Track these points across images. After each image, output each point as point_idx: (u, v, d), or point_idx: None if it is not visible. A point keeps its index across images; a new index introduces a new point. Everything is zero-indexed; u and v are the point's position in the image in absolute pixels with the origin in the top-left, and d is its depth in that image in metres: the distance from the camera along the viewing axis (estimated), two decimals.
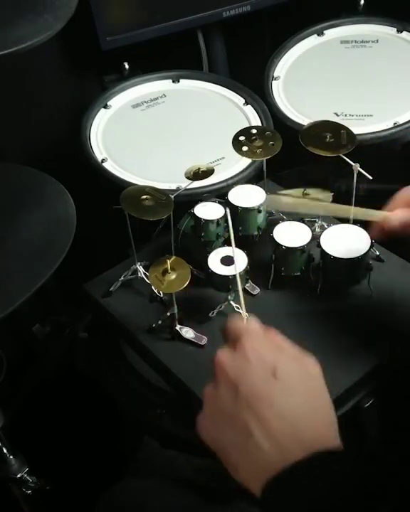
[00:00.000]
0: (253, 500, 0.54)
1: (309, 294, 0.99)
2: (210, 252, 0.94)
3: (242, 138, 0.99)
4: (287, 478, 0.50)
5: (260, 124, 1.22)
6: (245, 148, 0.98)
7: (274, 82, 1.28)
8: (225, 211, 0.98)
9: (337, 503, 0.49)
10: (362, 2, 1.36)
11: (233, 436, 0.53)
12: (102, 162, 1.17)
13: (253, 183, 1.05)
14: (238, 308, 0.95)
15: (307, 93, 1.25)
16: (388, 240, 0.88)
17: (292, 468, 0.49)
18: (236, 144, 0.99)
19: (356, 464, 0.52)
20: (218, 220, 0.99)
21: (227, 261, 0.93)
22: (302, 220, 1.00)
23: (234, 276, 0.91)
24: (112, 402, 1.07)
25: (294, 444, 0.51)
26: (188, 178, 0.97)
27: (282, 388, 0.53)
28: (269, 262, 0.98)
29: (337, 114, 1.18)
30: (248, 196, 1.01)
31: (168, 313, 0.96)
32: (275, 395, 0.53)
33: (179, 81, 1.33)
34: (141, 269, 1.03)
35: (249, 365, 0.54)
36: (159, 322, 0.96)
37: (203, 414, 0.56)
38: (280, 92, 1.26)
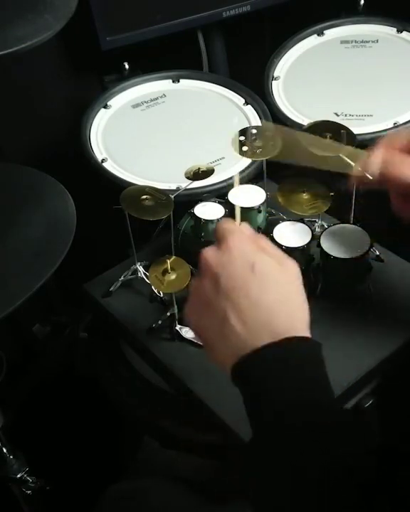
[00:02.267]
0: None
1: (309, 294, 0.99)
2: None
3: (242, 138, 0.99)
4: (255, 358, 0.54)
5: (260, 124, 1.22)
6: (245, 148, 0.98)
7: (274, 82, 1.28)
8: (226, 211, 0.99)
9: (301, 385, 0.53)
10: (362, 2, 1.36)
11: (211, 321, 0.58)
12: (102, 162, 1.17)
13: (253, 183, 1.05)
14: None
15: (307, 93, 1.25)
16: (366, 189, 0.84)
17: (259, 351, 0.54)
18: (237, 146, 0.99)
19: (320, 353, 0.57)
20: (218, 220, 0.99)
21: None
22: (302, 220, 1.00)
23: None
24: (112, 402, 1.07)
25: (265, 331, 0.55)
26: (188, 178, 0.97)
27: (258, 281, 0.58)
28: None
29: (337, 114, 1.18)
30: (248, 196, 1.01)
31: (168, 313, 0.96)
32: (251, 287, 0.57)
33: (179, 81, 1.33)
34: (141, 269, 1.03)
35: (230, 259, 0.59)
36: (159, 322, 0.96)
37: (189, 303, 0.61)
38: (280, 92, 1.26)
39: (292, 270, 0.61)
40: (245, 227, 0.64)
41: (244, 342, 0.55)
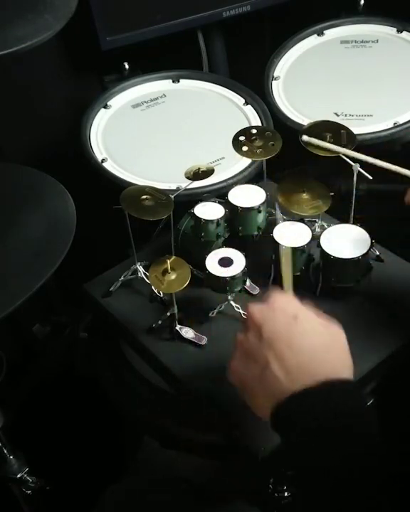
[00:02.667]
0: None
1: (309, 294, 0.99)
2: (210, 252, 0.94)
3: (242, 138, 0.99)
4: (295, 401, 0.54)
5: (260, 124, 1.22)
6: (245, 148, 0.98)
7: (274, 82, 1.28)
8: (225, 212, 0.98)
9: (341, 429, 0.53)
10: (362, 2, 1.36)
11: (254, 369, 0.59)
12: (102, 162, 1.17)
13: (253, 183, 1.05)
14: (238, 307, 0.96)
15: (307, 93, 1.25)
16: None
17: (297, 394, 0.54)
18: (236, 144, 0.99)
19: (363, 397, 0.58)
20: (218, 220, 0.99)
21: (225, 262, 0.93)
22: (302, 220, 1.00)
23: (231, 277, 0.91)
24: (112, 402, 1.07)
25: (307, 376, 0.56)
26: (188, 178, 0.97)
27: (300, 331, 0.59)
28: (269, 262, 0.98)
29: (337, 114, 1.18)
30: (248, 196, 1.01)
31: (168, 313, 0.96)
32: (293, 336, 0.58)
33: (179, 81, 1.33)
34: (141, 269, 1.03)
35: (273, 313, 0.61)
36: (159, 322, 0.96)
37: (233, 358, 0.62)
38: (280, 92, 1.26)
39: (337, 331, 0.62)
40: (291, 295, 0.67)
41: (285, 387, 0.56)
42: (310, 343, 0.58)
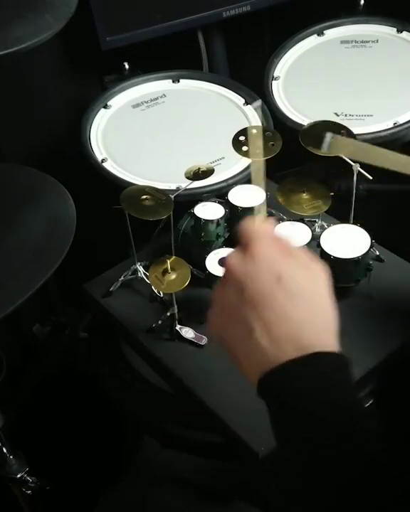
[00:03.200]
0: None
1: None
2: (209, 252, 0.94)
3: (242, 138, 0.99)
4: (280, 374, 0.53)
5: (260, 124, 1.22)
6: (245, 148, 0.98)
7: (274, 82, 1.28)
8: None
9: (326, 400, 0.52)
10: (362, 2, 1.36)
11: (236, 332, 0.56)
12: (102, 162, 1.17)
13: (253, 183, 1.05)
14: None
15: (307, 93, 1.25)
16: None
17: (285, 366, 0.53)
18: (236, 144, 0.99)
19: (347, 367, 0.55)
20: (218, 220, 0.99)
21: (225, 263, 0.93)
22: (302, 220, 1.00)
23: None
24: (112, 402, 1.07)
25: (290, 345, 0.54)
26: (188, 178, 0.97)
27: (284, 294, 0.56)
28: None
29: (337, 114, 1.18)
30: (248, 196, 1.01)
31: (168, 313, 0.96)
32: (277, 299, 0.55)
33: (179, 81, 1.33)
34: (141, 269, 1.03)
35: (256, 269, 0.57)
36: (159, 322, 0.96)
37: (212, 311, 0.59)
38: (280, 92, 1.26)
39: (320, 276, 0.59)
40: (270, 227, 0.62)
41: (270, 356, 0.54)
42: (296, 308, 0.56)
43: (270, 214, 1.06)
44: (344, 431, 0.52)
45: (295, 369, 0.53)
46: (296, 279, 0.57)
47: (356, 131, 0.97)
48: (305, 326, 0.55)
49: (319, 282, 0.59)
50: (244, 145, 0.99)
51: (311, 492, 0.51)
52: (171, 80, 1.33)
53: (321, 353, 0.54)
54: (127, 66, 1.34)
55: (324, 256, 0.94)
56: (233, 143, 0.99)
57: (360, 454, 0.51)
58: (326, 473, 0.51)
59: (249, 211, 0.99)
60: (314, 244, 0.96)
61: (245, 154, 0.99)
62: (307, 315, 0.56)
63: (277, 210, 1.07)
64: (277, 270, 0.56)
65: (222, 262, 0.89)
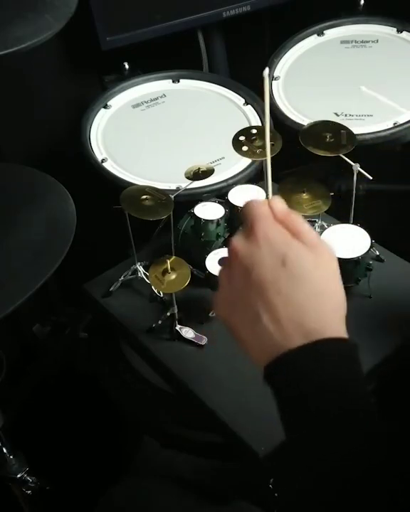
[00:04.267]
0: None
1: None
2: (209, 252, 0.94)
3: (242, 138, 0.99)
4: (287, 361, 0.53)
5: (260, 124, 1.22)
6: (245, 148, 0.98)
7: (274, 82, 1.28)
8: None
9: (332, 389, 0.52)
10: (362, 2, 1.36)
11: (243, 316, 0.56)
12: (102, 162, 1.17)
13: (253, 183, 1.05)
14: None
15: (307, 93, 1.25)
16: None
17: (292, 353, 0.52)
18: (236, 144, 0.99)
19: (354, 353, 0.55)
20: (218, 220, 0.99)
21: (225, 263, 0.93)
22: None
23: None
24: (112, 402, 1.07)
25: (297, 331, 0.53)
26: (188, 178, 0.97)
27: (289, 277, 0.55)
28: None
29: (337, 114, 1.18)
30: (248, 196, 1.00)
31: (168, 313, 0.96)
32: (282, 283, 0.55)
33: (179, 81, 1.33)
34: (141, 269, 1.03)
35: (260, 252, 0.56)
36: (159, 322, 0.96)
37: (218, 294, 0.58)
38: (280, 92, 1.26)
39: (327, 257, 0.57)
40: (275, 204, 0.59)
41: (277, 342, 0.53)
42: (301, 293, 0.54)
43: None
44: (349, 420, 0.51)
45: (301, 357, 0.52)
46: (301, 262, 0.56)
47: (356, 131, 0.97)
48: (311, 311, 0.54)
49: (326, 265, 0.57)
50: (244, 145, 0.99)
51: (314, 487, 0.51)
52: (171, 80, 1.33)
53: (328, 340, 0.53)
54: (127, 66, 1.34)
55: None
56: (233, 143, 0.99)
57: (365, 445, 0.51)
58: (331, 464, 0.50)
59: None
60: None
61: (245, 154, 0.99)
62: (313, 299, 0.55)
63: None
64: (282, 253, 0.55)
65: (222, 261, 0.89)
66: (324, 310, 0.55)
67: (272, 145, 0.98)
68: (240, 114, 1.26)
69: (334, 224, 0.99)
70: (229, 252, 0.58)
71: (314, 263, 0.56)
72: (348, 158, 0.92)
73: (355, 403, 0.53)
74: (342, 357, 0.54)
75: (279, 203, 0.60)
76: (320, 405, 0.51)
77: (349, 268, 0.94)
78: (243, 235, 0.58)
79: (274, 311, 0.54)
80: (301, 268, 0.55)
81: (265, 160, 0.62)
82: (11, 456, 0.96)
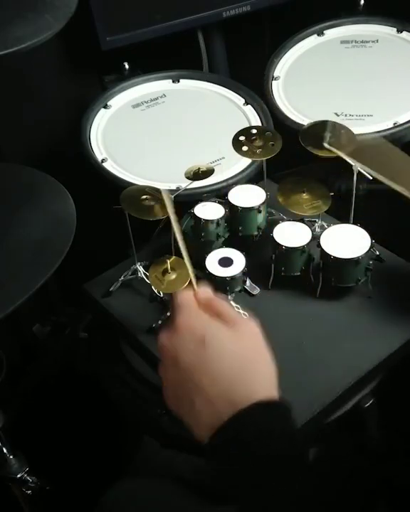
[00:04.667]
0: None
1: (309, 294, 0.99)
2: (209, 252, 0.94)
3: (242, 138, 0.99)
4: (220, 437, 0.55)
5: (260, 124, 1.22)
6: (245, 148, 0.98)
7: (274, 82, 1.28)
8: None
9: (267, 451, 0.54)
10: (362, 2, 1.36)
11: (183, 403, 0.59)
12: (102, 162, 1.17)
13: (253, 183, 1.05)
14: (238, 308, 0.95)
15: (307, 93, 1.25)
16: None
17: (224, 426, 0.54)
18: (236, 144, 0.99)
19: (287, 415, 0.56)
20: (218, 220, 0.99)
21: (225, 263, 0.93)
22: (302, 220, 1.00)
23: (231, 277, 0.91)
24: (112, 402, 1.07)
25: (226, 405, 0.55)
26: (188, 178, 0.97)
27: (211, 355, 0.57)
28: (269, 262, 0.98)
29: (337, 114, 1.18)
30: (248, 196, 1.01)
31: (168, 313, 0.96)
32: (206, 363, 0.57)
33: (179, 81, 1.33)
34: (141, 269, 1.03)
35: (181, 340, 0.59)
36: (159, 322, 0.96)
37: (163, 389, 0.62)
38: (280, 92, 1.26)
39: (247, 331, 0.60)
40: (199, 292, 0.63)
41: (211, 420, 0.56)
42: (224, 366, 0.57)
43: (270, 214, 1.06)
44: (277, 463, 0.54)
45: (233, 427, 0.54)
46: (219, 337, 0.58)
47: (356, 131, 0.97)
48: (236, 382, 0.56)
49: (247, 337, 0.60)
50: (244, 145, 0.99)
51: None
52: (171, 80, 1.33)
53: (254, 404, 0.55)
54: (127, 66, 1.34)
55: (324, 256, 0.94)
56: (233, 143, 0.99)
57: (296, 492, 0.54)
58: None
59: (249, 211, 0.99)
60: (314, 244, 0.96)
61: (245, 154, 0.99)
62: (238, 372, 0.57)
63: (277, 210, 1.07)
64: (200, 335, 0.58)
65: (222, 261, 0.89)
66: (251, 380, 0.57)
67: (272, 145, 0.99)
68: (240, 114, 1.26)
69: (334, 224, 0.98)
70: (158, 348, 0.61)
71: (234, 338, 0.59)
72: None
73: (283, 451, 0.55)
74: (272, 416, 0.56)
75: (203, 291, 0.64)
76: (256, 467, 0.54)
77: (349, 268, 0.94)
78: (167, 329, 0.61)
79: (203, 392, 0.56)
80: (220, 345, 0.58)
81: (184, 255, 0.67)
82: (11, 456, 0.96)
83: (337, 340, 0.93)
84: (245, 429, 0.54)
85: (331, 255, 0.93)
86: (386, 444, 0.96)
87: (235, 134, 1.00)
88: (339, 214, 1.06)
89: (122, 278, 1.03)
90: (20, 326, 1.52)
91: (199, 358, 0.57)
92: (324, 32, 1.34)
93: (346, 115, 1.17)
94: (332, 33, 1.34)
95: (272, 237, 0.96)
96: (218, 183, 1.11)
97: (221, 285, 0.93)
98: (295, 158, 1.04)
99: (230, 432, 0.54)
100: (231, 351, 0.58)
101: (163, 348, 0.60)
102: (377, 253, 1.02)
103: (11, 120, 1.33)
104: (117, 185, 1.11)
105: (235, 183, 1.09)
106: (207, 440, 0.55)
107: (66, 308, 1.56)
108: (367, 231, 0.95)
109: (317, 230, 1.04)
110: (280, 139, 0.99)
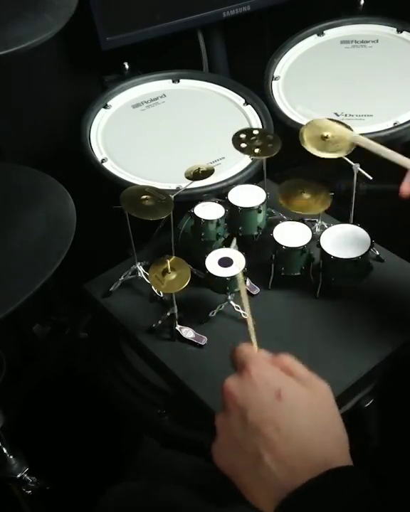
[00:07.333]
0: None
1: (309, 294, 0.99)
2: (209, 252, 0.94)
3: (242, 136, 0.99)
4: (297, 500, 0.50)
5: (260, 124, 1.22)
6: (244, 146, 0.98)
7: (274, 82, 1.28)
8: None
9: None
10: (362, 2, 1.36)
11: (244, 461, 0.54)
12: (102, 162, 1.17)
13: (253, 183, 1.05)
14: (238, 308, 0.95)
15: (307, 93, 1.25)
16: None
17: (301, 490, 0.50)
18: (236, 142, 0.99)
19: (364, 480, 0.52)
20: (218, 220, 0.99)
21: (225, 263, 0.93)
22: (302, 220, 1.00)
23: (231, 277, 0.91)
24: (112, 402, 1.07)
25: (302, 466, 0.51)
26: (188, 178, 0.97)
27: (287, 411, 0.53)
28: (269, 262, 0.98)
29: (337, 114, 1.18)
30: (248, 196, 1.01)
31: (168, 313, 0.96)
32: (280, 418, 0.53)
33: (179, 81, 1.33)
34: (141, 269, 1.03)
35: (255, 390, 0.55)
36: (159, 322, 0.96)
37: (216, 443, 0.56)
38: (280, 92, 1.26)
39: (322, 391, 0.57)
40: (264, 352, 0.60)
41: (283, 482, 0.51)
42: (301, 425, 0.53)
43: (270, 214, 1.06)
44: None
45: (311, 492, 0.50)
46: (296, 394, 0.55)
47: (356, 131, 0.97)
48: (313, 444, 0.52)
49: (321, 397, 0.56)
50: (243, 142, 0.99)
51: None
52: (171, 80, 1.33)
53: (337, 470, 0.51)
54: (127, 66, 1.34)
55: (324, 256, 0.94)
56: (233, 141, 0.99)
57: None
58: None
59: (249, 211, 0.99)
60: (314, 244, 0.96)
61: (245, 151, 0.99)
62: (313, 431, 0.53)
63: (277, 210, 1.07)
64: (276, 387, 0.55)
65: (222, 262, 0.89)
66: (326, 442, 0.53)
67: (270, 146, 0.98)
68: (240, 114, 1.26)
69: (334, 224, 0.99)
70: (223, 395, 0.57)
71: (310, 397, 0.55)
72: (348, 158, 0.92)
73: None
74: (352, 483, 0.51)
75: (263, 351, 0.61)
76: None
77: (349, 268, 0.94)
78: (236, 378, 0.57)
79: (275, 449, 0.52)
80: (296, 400, 0.54)
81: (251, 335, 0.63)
82: (11, 456, 0.96)
83: (337, 340, 0.93)
84: (329, 493, 0.50)
85: (331, 255, 0.93)
86: (385, 444, 0.96)
87: (236, 133, 0.99)
88: (339, 214, 1.06)
89: (122, 278, 1.03)
90: (21, 326, 1.52)
91: (274, 412, 0.53)
92: (324, 32, 1.34)
93: (346, 115, 1.18)
94: (332, 33, 1.34)
95: (273, 237, 0.96)
96: (218, 183, 1.11)
97: (221, 285, 0.93)
98: (295, 158, 1.04)
99: (309, 496, 0.50)
100: (308, 410, 0.54)
101: (230, 395, 0.56)
102: (377, 253, 1.02)
103: (11, 120, 1.33)
104: (117, 185, 1.11)
105: (235, 183, 1.09)
106: (276, 503, 0.51)
107: (66, 308, 1.56)
108: (367, 231, 0.95)
109: (317, 230, 1.04)
110: (279, 141, 0.99)
